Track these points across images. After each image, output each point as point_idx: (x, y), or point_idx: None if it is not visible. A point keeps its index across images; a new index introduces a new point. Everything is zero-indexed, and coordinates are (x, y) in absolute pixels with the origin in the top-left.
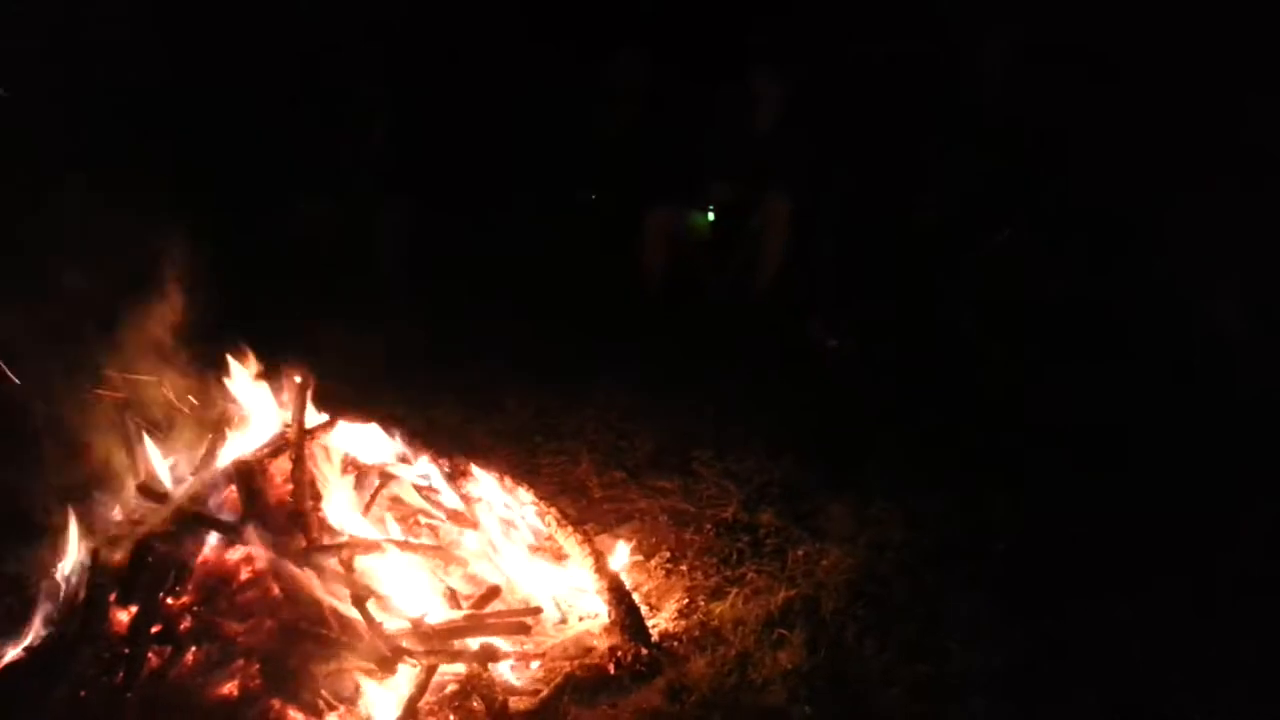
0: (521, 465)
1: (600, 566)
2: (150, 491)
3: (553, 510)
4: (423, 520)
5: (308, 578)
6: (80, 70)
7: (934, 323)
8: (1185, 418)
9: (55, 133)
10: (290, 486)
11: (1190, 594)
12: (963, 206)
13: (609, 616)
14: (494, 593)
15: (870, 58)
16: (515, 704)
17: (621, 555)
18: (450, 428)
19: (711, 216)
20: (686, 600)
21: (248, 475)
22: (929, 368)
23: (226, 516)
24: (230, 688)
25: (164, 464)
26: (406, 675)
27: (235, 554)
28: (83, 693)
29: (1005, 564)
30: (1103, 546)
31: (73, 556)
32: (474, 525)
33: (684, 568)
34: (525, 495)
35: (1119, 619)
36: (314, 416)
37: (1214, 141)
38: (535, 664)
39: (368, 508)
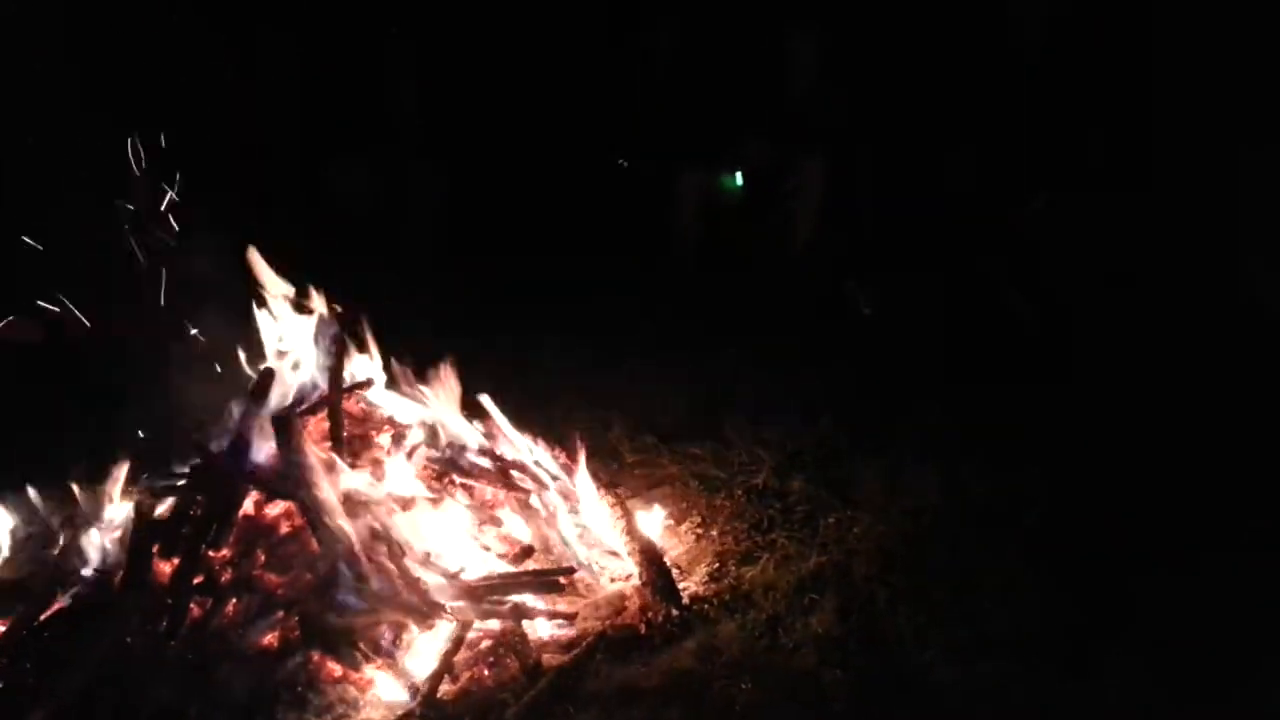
0: (554, 428)
1: (632, 529)
2: (194, 444)
3: (586, 473)
4: (458, 480)
5: (345, 533)
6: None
7: (968, 286)
8: (1229, 386)
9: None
10: (328, 443)
11: (1233, 563)
12: (1000, 167)
13: (640, 578)
14: (527, 552)
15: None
16: (548, 660)
17: (652, 519)
18: (483, 390)
19: (740, 180)
20: (717, 565)
21: (289, 432)
22: (962, 331)
23: (269, 473)
24: (270, 639)
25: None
26: (442, 630)
27: (275, 508)
28: (128, 639)
29: (1041, 531)
30: (1142, 513)
31: (117, 508)
32: (508, 486)
33: (714, 533)
34: (558, 458)
35: (1159, 584)
36: (352, 375)
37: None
38: (568, 622)
39: (406, 467)
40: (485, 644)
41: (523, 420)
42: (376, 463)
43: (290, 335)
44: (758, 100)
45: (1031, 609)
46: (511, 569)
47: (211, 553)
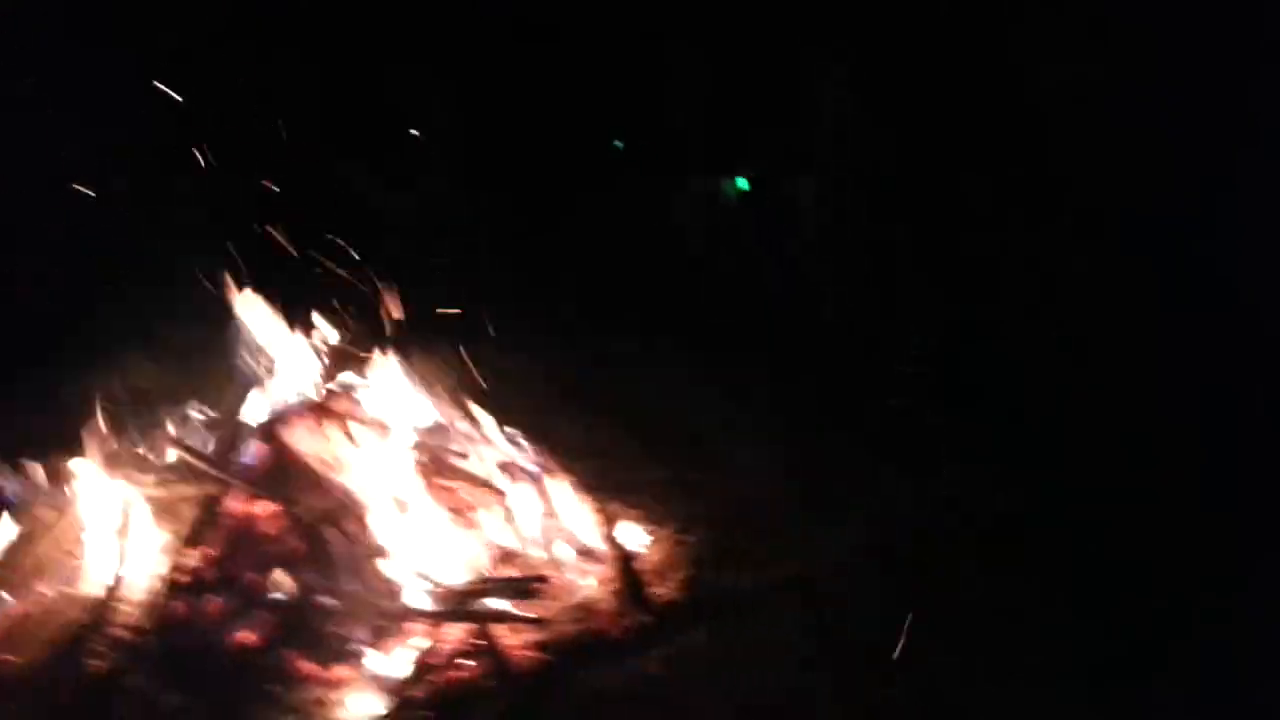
0: (539, 431)
1: (608, 535)
2: (183, 446)
3: (567, 477)
4: (439, 483)
5: (328, 534)
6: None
7: (962, 306)
8: (1240, 412)
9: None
10: (316, 445)
11: (1248, 586)
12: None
13: (614, 584)
14: (504, 555)
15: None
16: (519, 664)
17: (630, 525)
18: (472, 394)
19: (745, 184)
20: (692, 572)
21: (275, 433)
22: (955, 347)
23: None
24: (250, 637)
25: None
26: (417, 632)
27: (259, 509)
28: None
29: (1028, 544)
30: (1137, 531)
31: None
32: (490, 490)
33: (692, 539)
34: (542, 461)
35: (1194, 614)
36: (342, 377)
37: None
38: (540, 626)
39: (389, 469)
40: (458, 647)
41: (508, 424)
42: (359, 463)
43: (276, 338)
44: (765, 128)
45: (1022, 624)
46: (487, 572)
47: (193, 550)
